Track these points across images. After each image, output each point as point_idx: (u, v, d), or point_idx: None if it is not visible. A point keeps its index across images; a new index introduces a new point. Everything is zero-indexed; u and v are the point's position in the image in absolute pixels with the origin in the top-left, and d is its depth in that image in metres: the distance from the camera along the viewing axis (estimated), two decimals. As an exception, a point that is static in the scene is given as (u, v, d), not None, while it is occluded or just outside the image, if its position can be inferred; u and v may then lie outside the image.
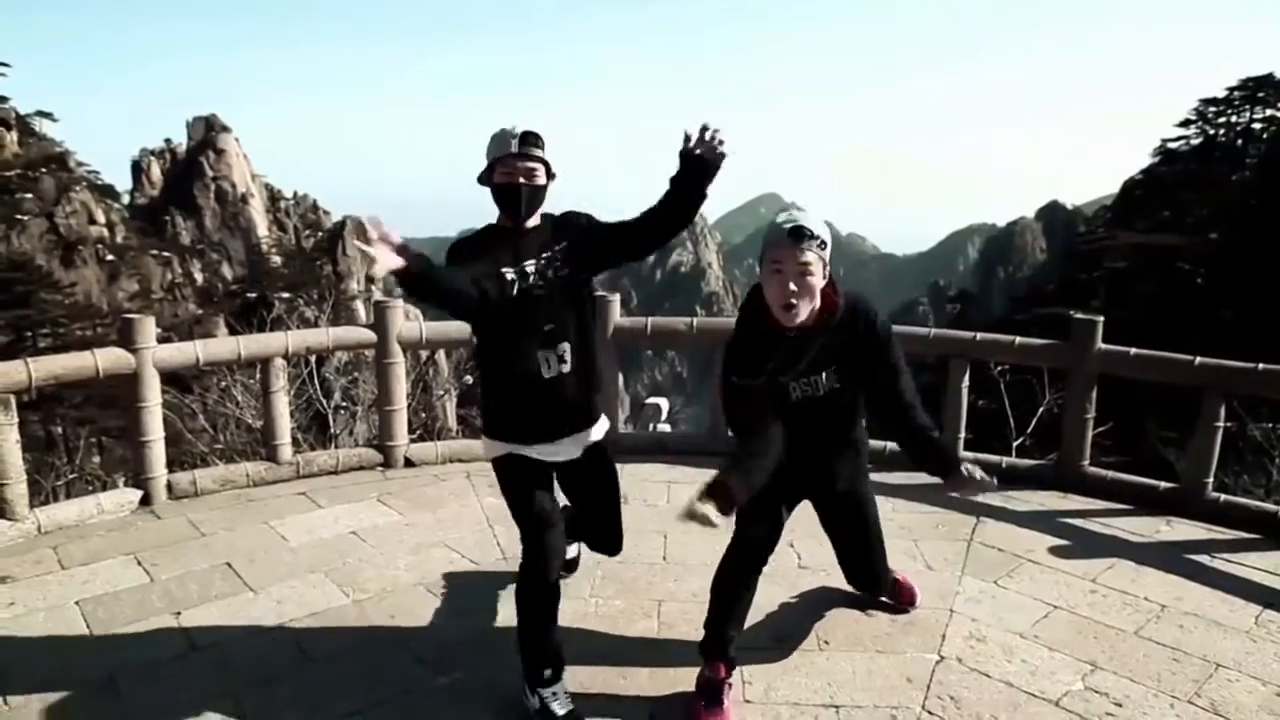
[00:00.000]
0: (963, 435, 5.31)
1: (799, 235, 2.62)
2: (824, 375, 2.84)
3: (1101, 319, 5.01)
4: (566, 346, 2.82)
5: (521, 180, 2.75)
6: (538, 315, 2.77)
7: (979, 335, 5.43)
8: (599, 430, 3.04)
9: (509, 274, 2.73)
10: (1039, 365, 6.81)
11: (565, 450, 2.95)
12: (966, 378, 5.27)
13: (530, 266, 2.77)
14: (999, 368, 8.40)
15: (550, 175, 2.83)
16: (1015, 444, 8.38)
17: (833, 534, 3.35)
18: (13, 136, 56.36)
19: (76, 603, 3.54)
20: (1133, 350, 4.87)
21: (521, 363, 2.79)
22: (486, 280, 2.65)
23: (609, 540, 3.20)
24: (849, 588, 3.67)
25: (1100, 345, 4.91)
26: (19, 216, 50.74)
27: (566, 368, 2.82)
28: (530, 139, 2.76)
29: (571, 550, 3.62)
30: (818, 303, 2.71)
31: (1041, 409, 8.86)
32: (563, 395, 2.84)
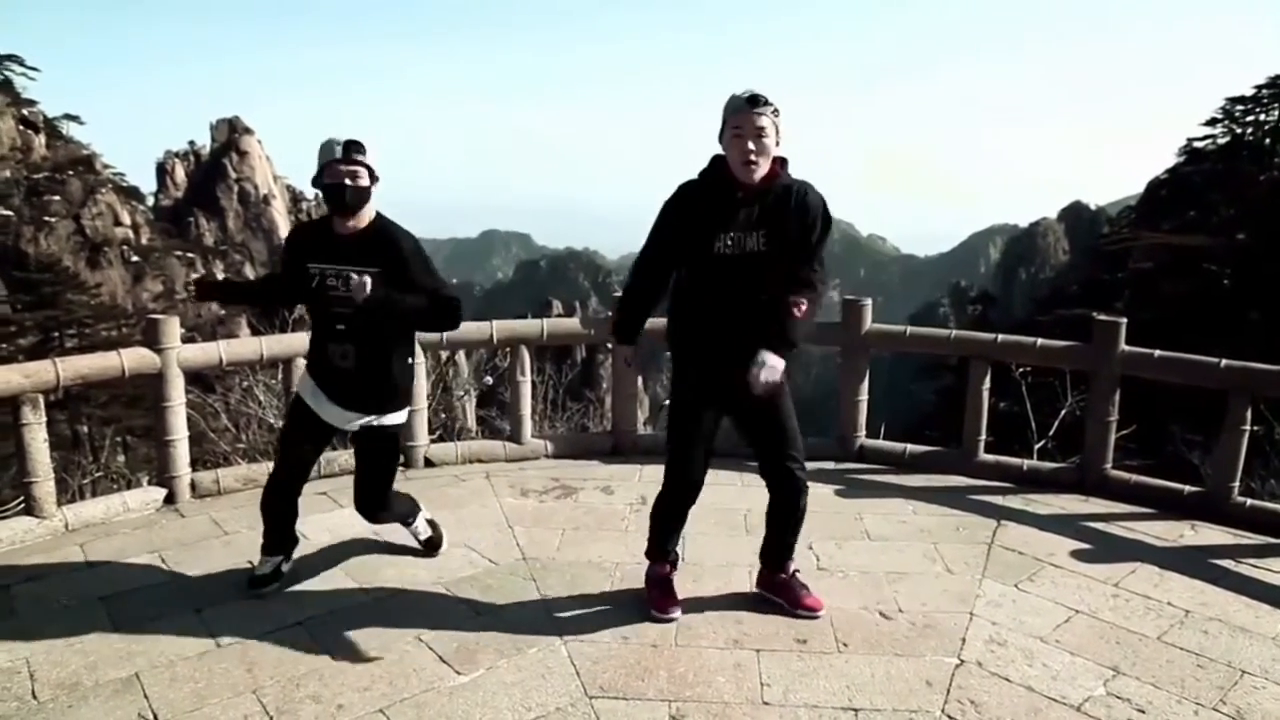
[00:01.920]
0: (983, 437, 5.28)
1: (755, 101, 3.02)
2: (754, 235, 3.13)
3: (1125, 320, 4.97)
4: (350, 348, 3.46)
5: (346, 181, 3.32)
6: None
7: (1000, 337, 5.39)
8: (390, 418, 3.63)
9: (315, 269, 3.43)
10: (1061, 367, 6.75)
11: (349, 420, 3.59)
12: (988, 379, 5.23)
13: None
14: (1020, 369, 8.33)
15: (373, 179, 3.38)
16: (1037, 446, 8.30)
17: (750, 428, 3.41)
18: (41, 139, 57.21)
19: (101, 599, 3.59)
20: (1157, 352, 4.82)
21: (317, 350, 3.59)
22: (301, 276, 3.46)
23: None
24: (868, 590, 3.66)
25: (1124, 347, 4.86)
26: (47, 218, 51.51)
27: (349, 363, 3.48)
28: (353, 146, 3.33)
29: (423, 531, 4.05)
30: (767, 168, 3.10)
31: (1064, 411, 8.78)
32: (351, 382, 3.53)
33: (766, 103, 3.04)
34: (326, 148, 3.33)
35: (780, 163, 3.17)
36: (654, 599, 3.49)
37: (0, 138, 53.83)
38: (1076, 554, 4.13)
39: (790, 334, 3.14)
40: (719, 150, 3.17)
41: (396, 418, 3.66)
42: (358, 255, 3.37)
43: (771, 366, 3.09)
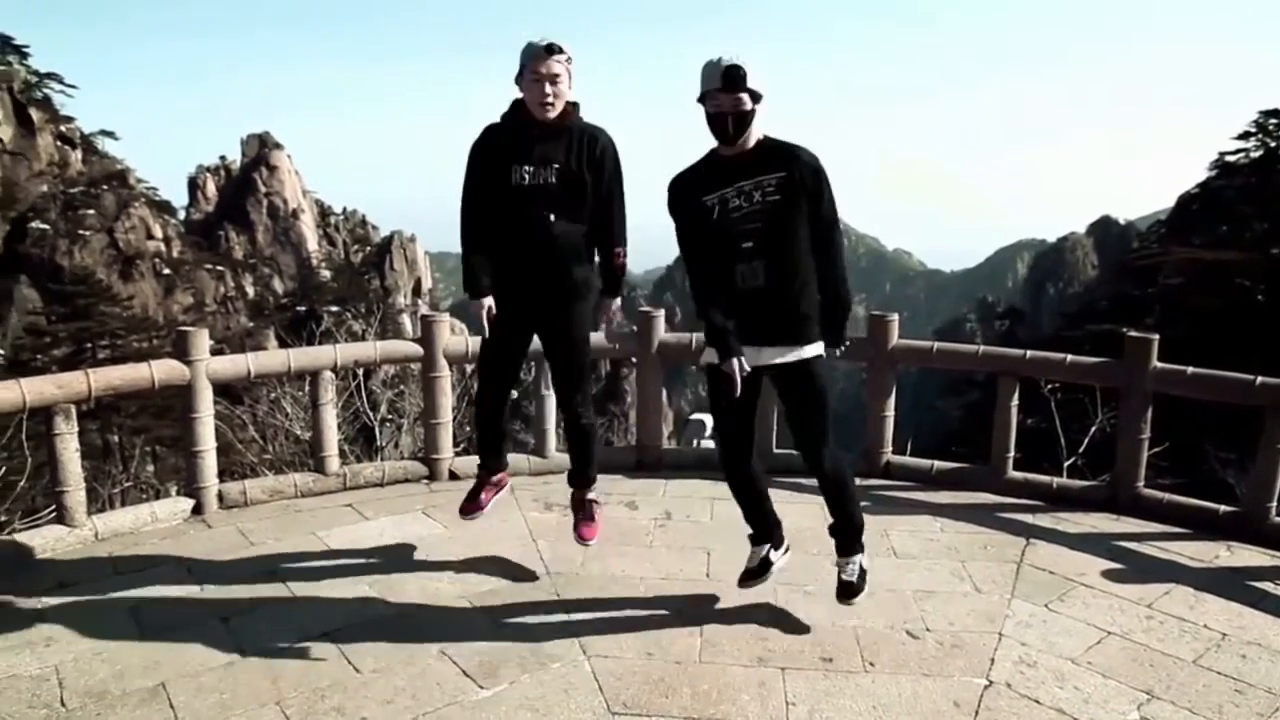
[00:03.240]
0: (1012, 454, 5.21)
1: (551, 50, 3.37)
2: (548, 169, 3.46)
3: (1157, 337, 4.90)
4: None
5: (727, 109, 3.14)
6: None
7: (1029, 353, 5.33)
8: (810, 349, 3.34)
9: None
10: (1091, 384, 6.66)
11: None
12: (1016, 396, 5.17)
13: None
14: (1049, 385, 8.24)
15: (755, 99, 3.14)
16: (1066, 464, 8.20)
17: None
18: (78, 155, 58.35)
19: (130, 608, 3.62)
20: (1190, 369, 4.74)
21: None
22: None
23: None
24: (895, 608, 3.62)
25: (1156, 364, 4.79)
26: (82, 232, 52.47)
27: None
28: (733, 76, 3.09)
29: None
30: (560, 109, 3.45)
31: (1094, 428, 8.66)
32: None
33: (561, 51, 3.38)
34: (710, 69, 3.09)
35: (573, 106, 3.52)
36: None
37: (39, 153, 54.96)
38: (1108, 574, 4.05)
39: (619, 285, 3.75)
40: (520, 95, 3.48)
41: (816, 348, 3.32)
42: (757, 169, 3.20)
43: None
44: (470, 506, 4.07)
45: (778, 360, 3.26)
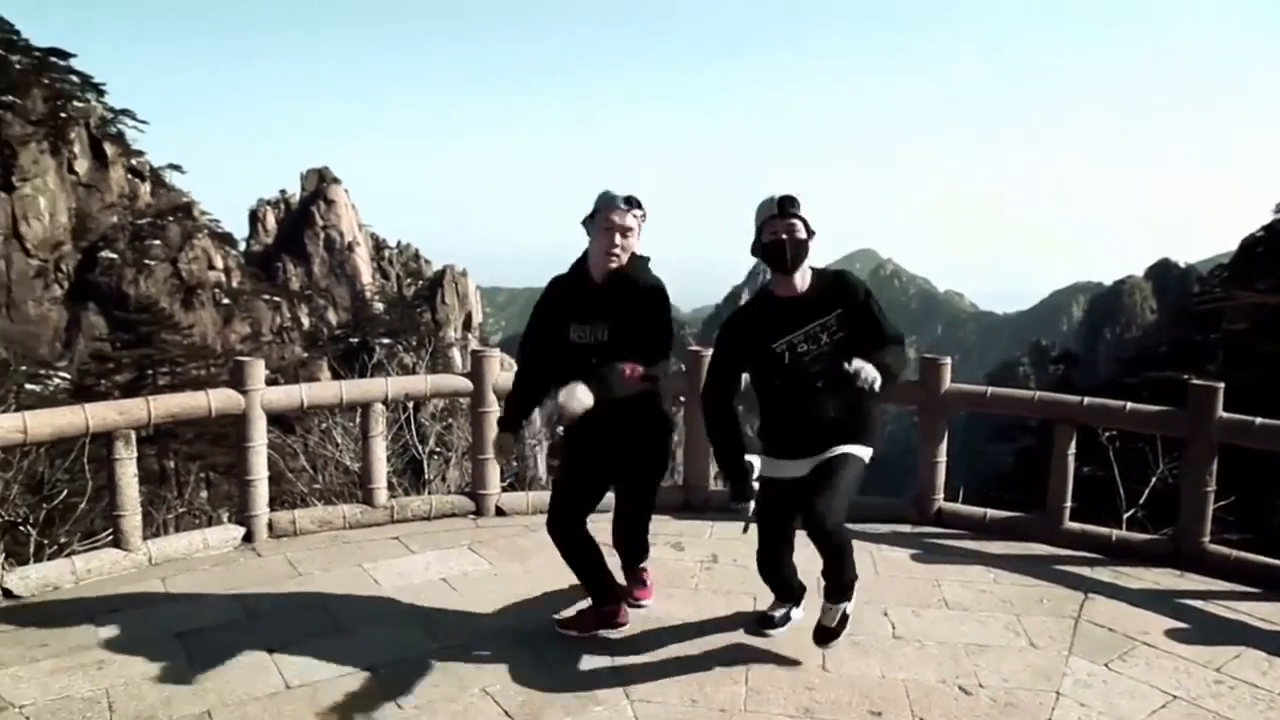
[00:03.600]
0: (1069, 504, 5.06)
1: (630, 202, 3.37)
2: (601, 328, 3.42)
3: (1222, 385, 4.74)
4: None
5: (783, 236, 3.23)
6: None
7: (1087, 400, 5.19)
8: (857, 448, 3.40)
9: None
10: (1152, 433, 6.46)
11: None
12: (1073, 444, 5.03)
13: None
14: (1107, 433, 8.01)
15: (810, 232, 3.27)
16: (1126, 516, 7.93)
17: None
18: (146, 187, 60.60)
19: (179, 635, 3.66)
20: (1258, 420, 4.57)
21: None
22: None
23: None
24: (947, 661, 3.51)
25: (1221, 414, 4.62)
26: (148, 261, 54.32)
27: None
28: (788, 202, 3.23)
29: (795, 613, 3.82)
30: (624, 262, 3.41)
31: (1154, 479, 8.38)
32: None
33: (639, 205, 3.39)
34: (765, 204, 3.29)
35: (639, 260, 3.47)
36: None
37: (111, 186, 57.20)
38: (1172, 633, 3.89)
39: (608, 378, 3.28)
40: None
41: (864, 450, 3.40)
42: (818, 309, 3.31)
43: (576, 398, 3.17)
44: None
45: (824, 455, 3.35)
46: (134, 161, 60.41)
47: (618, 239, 3.36)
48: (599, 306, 3.44)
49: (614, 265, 3.39)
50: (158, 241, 56.22)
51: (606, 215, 3.38)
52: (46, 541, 8.20)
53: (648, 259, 3.54)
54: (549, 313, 3.59)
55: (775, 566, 3.62)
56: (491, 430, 5.38)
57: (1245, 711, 3.27)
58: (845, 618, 3.43)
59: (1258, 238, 38.19)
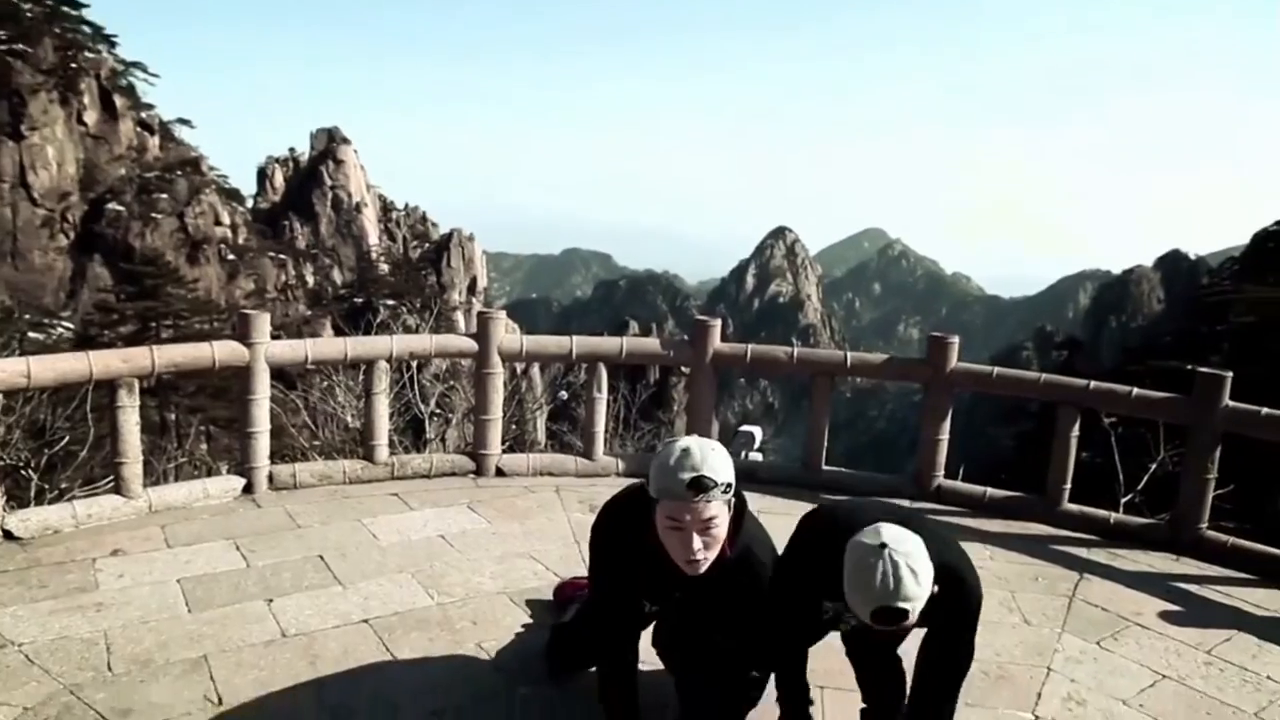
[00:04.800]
0: (1068, 486, 5.06)
1: (701, 486, 2.27)
2: (685, 609, 2.66)
3: (1230, 374, 4.72)
4: None
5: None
6: None
7: (1093, 383, 5.17)
8: None
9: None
10: (1156, 420, 6.44)
11: None
12: (1076, 426, 5.02)
13: None
14: (1109, 419, 8.00)
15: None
16: (1124, 500, 7.95)
17: None
18: (155, 141, 60.25)
19: (178, 581, 3.69)
20: (1264, 410, 4.55)
21: None
22: None
23: None
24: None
25: (1227, 402, 4.61)
26: (154, 215, 54.14)
27: None
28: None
29: None
30: (714, 556, 2.41)
31: (1154, 465, 8.39)
32: None
33: (714, 484, 2.28)
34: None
35: (736, 531, 2.49)
36: None
37: (120, 138, 56.88)
38: (1165, 615, 3.91)
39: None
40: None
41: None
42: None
43: None
44: None
45: None
46: (144, 114, 59.97)
47: (696, 542, 2.33)
48: (684, 594, 2.59)
49: (702, 569, 2.40)
50: (165, 195, 55.97)
51: (667, 509, 2.33)
52: (47, 487, 8.27)
53: (753, 524, 2.62)
54: (623, 581, 2.62)
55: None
56: (496, 392, 5.39)
57: (1233, 693, 3.29)
58: None
59: (1271, 232, 37.91)
